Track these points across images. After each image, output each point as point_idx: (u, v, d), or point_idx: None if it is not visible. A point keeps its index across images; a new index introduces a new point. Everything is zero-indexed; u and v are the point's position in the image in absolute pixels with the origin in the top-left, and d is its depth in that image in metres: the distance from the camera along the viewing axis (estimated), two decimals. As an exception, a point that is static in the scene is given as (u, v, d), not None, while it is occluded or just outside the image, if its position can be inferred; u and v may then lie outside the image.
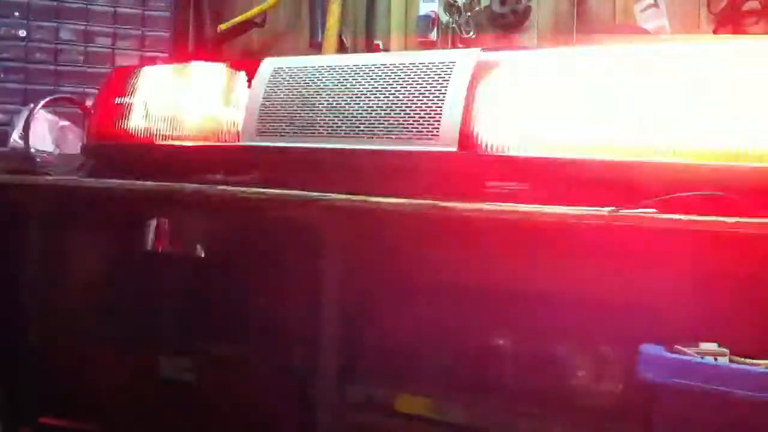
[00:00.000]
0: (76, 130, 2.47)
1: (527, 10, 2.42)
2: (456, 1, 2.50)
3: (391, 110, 1.80)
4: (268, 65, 2.04)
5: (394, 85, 1.82)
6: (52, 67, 2.66)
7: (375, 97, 1.83)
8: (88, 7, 2.71)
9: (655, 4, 2.22)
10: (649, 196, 1.46)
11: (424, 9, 2.56)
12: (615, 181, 1.56)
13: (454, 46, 2.49)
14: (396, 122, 1.79)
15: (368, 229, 1.80)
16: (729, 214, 1.38)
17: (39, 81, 2.63)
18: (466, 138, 1.71)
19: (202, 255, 2.20)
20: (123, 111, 2.22)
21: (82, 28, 2.70)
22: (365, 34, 2.69)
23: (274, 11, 2.88)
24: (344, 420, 1.87)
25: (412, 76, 1.81)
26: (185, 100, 2.15)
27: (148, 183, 2.03)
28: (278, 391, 2.01)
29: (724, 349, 1.37)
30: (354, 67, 1.90)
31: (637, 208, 1.45)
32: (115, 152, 2.23)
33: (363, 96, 1.85)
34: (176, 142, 2.12)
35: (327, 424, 1.87)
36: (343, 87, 1.88)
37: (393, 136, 1.79)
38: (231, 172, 2.11)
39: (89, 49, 2.70)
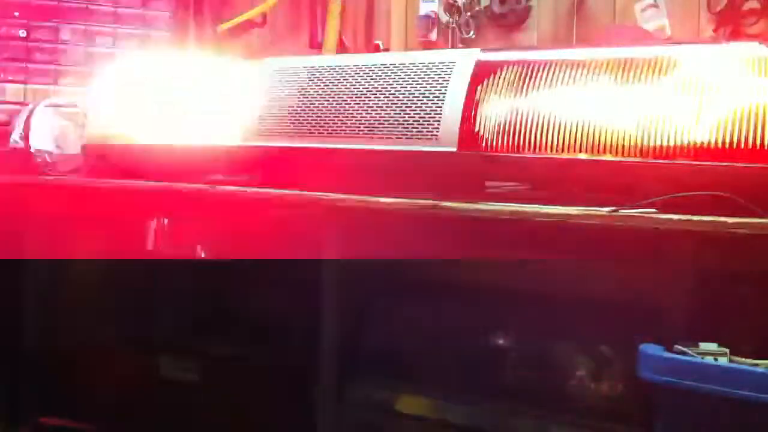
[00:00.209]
0: (76, 130, 2.47)
1: (527, 10, 2.42)
2: (456, 1, 2.50)
3: (391, 110, 1.80)
4: (268, 65, 2.04)
5: (394, 85, 1.82)
6: (52, 67, 2.66)
7: (375, 97, 1.83)
8: (88, 7, 2.71)
9: (655, 4, 2.21)
10: (649, 196, 1.46)
11: (424, 9, 2.55)
12: (615, 181, 1.56)
13: (454, 46, 2.49)
14: (396, 122, 1.79)
15: (368, 229, 1.80)
16: (729, 214, 1.38)
17: (39, 81, 2.63)
18: (466, 138, 1.71)
19: (202, 255, 2.20)
20: (123, 111, 2.22)
21: (82, 28, 2.70)
22: (365, 34, 2.69)
23: (274, 11, 2.88)
24: (344, 420, 1.88)
25: (412, 76, 1.81)
26: (185, 100, 2.15)
27: (148, 183, 2.03)
28: (278, 391, 2.01)
29: (724, 349, 1.37)
30: (354, 67, 1.90)
31: (637, 208, 1.45)
32: (115, 152, 2.23)
33: (363, 96, 1.85)
34: (176, 142, 2.12)
35: (327, 424, 1.88)
36: (343, 87, 1.88)
37: (393, 136, 1.79)
38: (231, 172, 2.12)
39: (89, 49, 2.70)
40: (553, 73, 1.67)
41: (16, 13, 2.63)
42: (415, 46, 2.57)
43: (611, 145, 1.57)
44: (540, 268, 1.66)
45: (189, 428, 2.12)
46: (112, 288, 2.30)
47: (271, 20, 2.90)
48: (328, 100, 1.89)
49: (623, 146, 1.56)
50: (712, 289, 1.47)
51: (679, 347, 1.38)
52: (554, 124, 1.63)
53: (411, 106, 1.78)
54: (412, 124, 1.77)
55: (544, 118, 1.64)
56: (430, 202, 1.64)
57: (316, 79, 1.93)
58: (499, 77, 1.72)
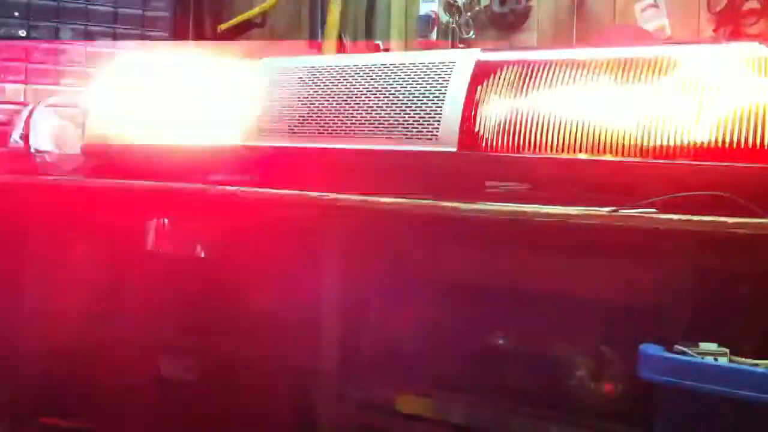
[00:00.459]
0: (76, 130, 2.47)
1: (527, 10, 2.42)
2: (456, 1, 2.50)
3: (391, 110, 1.80)
4: (268, 65, 2.04)
5: (394, 85, 1.82)
6: (52, 67, 2.65)
7: (375, 97, 1.83)
8: (88, 7, 2.71)
9: (655, 4, 2.22)
10: (649, 196, 1.46)
11: (424, 9, 2.55)
12: (615, 181, 1.56)
13: (454, 46, 2.49)
14: (396, 122, 1.79)
15: (368, 229, 1.80)
16: (729, 214, 1.38)
17: (39, 81, 2.63)
18: (466, 138, 1.70)
19: (202, 255, 2.20)
20: (122, 111, 2.22)
21: (82, 28, 2.70)
22: (365, 34, 2.69)
23: (274, 11, 2.88)
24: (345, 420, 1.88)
25: (412, 76, 1.81)
26: (185, 100, 2.15)
27: (148, 183, 2.03)
28: (278, 391, 2.01)
29: (724, 349, 1.37)
30: (354, 67, 1.90)
31: (637, 208, 1.45)
32: (115, 152, 2.23)
33: (363, 96, 1.85)
34: (176, 142, 2.12)
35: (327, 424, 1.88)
36: (343, 87, 1.88)
37: (393, 136, 1.79)
38: (231, 172, 2.11)
39: (89, 49, 2.70)
40: (553, 73, 1.67)
41: (16, 13, 2.63)
42: (415, 46, 2.57)
43: (611, 145, 1.57)
44: (540, 268, 1.66)
45: (189, 428, 2.12)
46: (112, 288, 2.30)
47: (271, 20, 2.90)
48: (328, 100, 1.89)
49: (623, 146, 1.56)
50: (712, 289, 1.47)
51: (679, 347, 1.38)
52: (554, 124, 1.63)
53: (411, 106, 1.78)
54: (412, 124, 1.77)
55: (544, 118, 1.64)
56: (430, 202, 1.64)
57: (316, 79, 1.93)
58: (499, 77, 1.72)
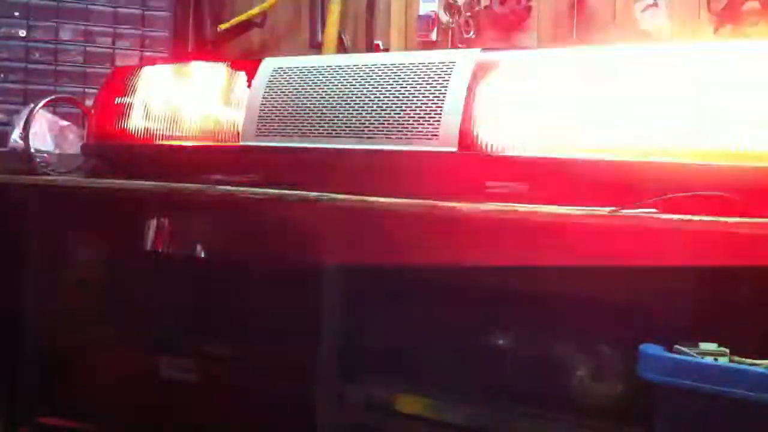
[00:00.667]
0: (76, 130, 2.47)
1: (527, 10, 2.42)
2: (456, 1, 2.50)
3: (391, 110, 1.80)
4: (268, 65, 2.04)
5: (394, 85, 1.82)
6: (52, 67, 2.65)
7: (375, 97, 1.83)
8: (88, 7, 2.70)
9: (655, 4, 2.21)
10: (649, 196, 1.46)
11: (424, 9, 2.55)
12: (615, 181, 1.55)
13: (454, 46, 2.49)
14: (396, 122, 1.79)
15: (368, 229, 1.80)
16: (729, 214, 1.38)
17: (39, 81, 2.63)
18: (466, 138, 1.70)
19: (202, 255, 2.20)
20: (123, 111, 2.22)
21: (82, 28, 2.70)
22: (365, 34, 2.69)
23: (274, 11, 2.88)
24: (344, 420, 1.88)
25: (412, 76, 1.81)
26: (185, 100, 2.15)
27: (148, 183, 2.03)
28: (278, 391, 2.01)
29: (724, 349, 1.37)
30: (354, 67, 1.90)
31: (637, 208, 1.45)
32: (115, 152, 2.24)
33: (363, 96, 1.85)
34: (176, 142, 2.12)
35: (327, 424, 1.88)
36: (343, 87, 1.88)
37: (393, 136, 1.79)
38: (231, 172, 2.11)
39: (89, 49, 2.70)
40: (553, 72, 1.67)
41: (16, 13, 2.63)
42: (415, 46, 2.57)
43: (611, 145, 1.57)
44: (540, 268, 1.66)
45: (189, 428, 2.12)
46: (111, 288, 2.30)
47: (271, 20, 2.90)
48: (327, 100, 1.89)
49: (624, 146, 1.56)
50: (712, 289, 1.47)
51: (679, 347, 1.38)
52: (554, 124, 1.63)
53: (411, 106, 1.78)
54: (412, 124, 1.77)
55: (544, 118, 1.64)
56: (430, 202, 1.64)
57: (315, 79, 1.93)
58: (499, 77, 1.72)
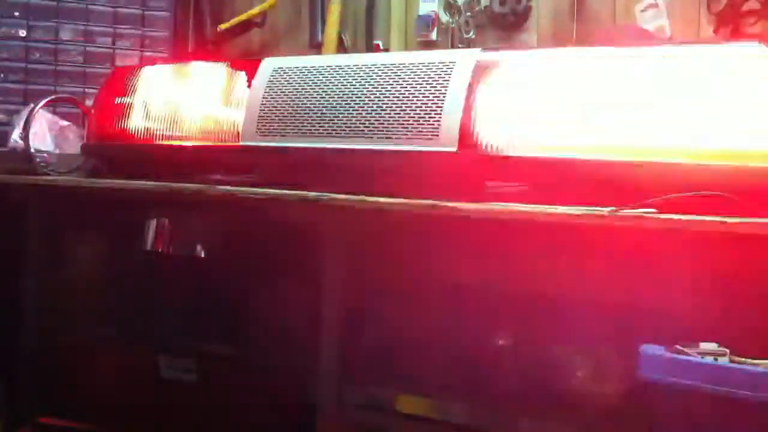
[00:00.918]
0: (76, 130, 2.47)
1: (527, 10, 2.42)
2: (456, 1, 2.50)
3: (391, 110, 1.80)
4: (268, 65, 2.04)
5: (394, 85, 1.82)
6: (52, 67, 2.66)
7: (375, 97, 1.83)
8: (88, 7, 2.70)
9: (655, 4, 2.21)
10: (649, 196, 1.46)
11: (424, 9, 2.55)
12: (615, 181, 1.56)
13: (454, 46, 2.49)
14: (396, 122, 1.79)
15: (368, 229, 1.80)
16: (729, 214, 1.38)
17: (39, 81, 2.63)
18: (466, 138, 1.70)
19: (202, 255, 2.20)
20: (123, 111, 2.22)
21: (82, 28, 2.70)
22: (365, 34, 2.69)
23: (274, 11, 2.88)
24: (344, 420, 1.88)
25: (412, 76, 1.81)
26: (185, 100, 2.15)
27: (148, 183, 2.03)
28: (278, 391, 2.01)
29: (724, 349, 1.37)
30: (354, 67, 1.90)
31: (637, 208, 1.45)
32: (115, 152, 2.24)
33: (363, 96, 1.85)
34: (176, 142, 2.12)
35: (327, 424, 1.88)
36: (343, 87, 1.88)
37: (393, 136, 1.79)
38: (231, 172, 2.11)
39: (89, 49, 2.70)
40: (553, 72, 1.67)
41: (16, 13, 2.63)
42: (415, 46, 2.57)
43: (611, 145, 1.57)
44: (540, 268, 1.66)
45: (189, 428, 2.12)
46: (111, 288, 2.30)
47: (271, 20, 2.90)
48: (327, 100, 1.89)
49: (623, 146, 1.56)
50: (712, 289, 1.47)
51: (679, 347, 1.38)
52: (554, 124, 1.63)
53: (411, 106, 1.78)
54: (412, 124, 1.77)
55: (544, 118, 1.64)
56: (430, 202, 1.64)
57: (315, 79, 1.93)
58: (499, 77, 1.72)
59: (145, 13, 2.77)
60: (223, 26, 2.91)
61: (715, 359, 1.36)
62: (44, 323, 2.33)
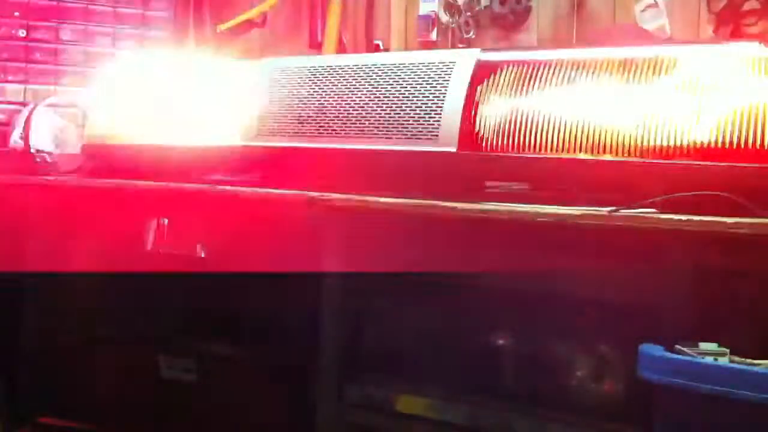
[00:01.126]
0: (76, 130, 2.47)
1: (527, 10, 2.42)
2: (456, 1, 2.50)
3: (391, 110, 1.80)
4: (268, 65, 2.04)
5: (394, 85, 1.82)
6: (52, 67, 2.66)
7: (375, 97, 1.83)
8: (88, 7, 2.71)
9: (655, 4, 2.21)
10: (649, 196, 1.46)
11: (424, 9, 2.55)
12: (615, 181, 1.56)
13: (454, 46, 2.49)
14: (396, 122, 1.79)
15: (368, 229, 1.80)
16: (729, 214, 1.38)
17: (39, 81, 2.63)
18: (466, 138, 1.70)
19: (202, 255, 2.20)
20: (123, 111, 2.22)
21: (82, 28, 2.70)
22: (365, 34, 2.69)
23: (274, 11, 2.88)
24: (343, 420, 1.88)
25: (412, 76, 1.81)
26: (185, 100, 2.15)
27: (148, 183, 2.03)
28: (278, 391, 2.01)
29: (724, 349, 1.37)
30: (354, 67, 1.90)
31: (637, 208, 1.45)
32: (115, 152, 2.23)
33: (363, 96, 1.85)
34: (176, 143, 2.12)
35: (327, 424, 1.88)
36: (343, 87, 1.88)
37: (393, 136, 1.79)
38: (231, 172, 2.11)
39: (89, 49, 2.70)
40: (553, 73, 1.67)
41: (16, 13, 2.63)
42: (415, 46, 2.57)
43: (611, 145, 1.57)
44: (540, 268, 1.66)
45: (189, 428, 2.12)
46: (111, 288, 2.30)
47: (271, 20, 2.90)
48: (328, 100, 1.89)
49: (623, 146, 1.56)
50: (712, 289, 1.47)
51: (679, 347, 1.38)
52: (554, 124, 1.63)
53: (411, 106, 1.78)
54: (412, 124, 1.77)
55: (544, 118, 1.64)
56: (430, 202, 1.64)
57: (316, 79, 1.93)
58: (499, 77, 1.72)
59: (145, 13, 2.77)
60: (223, 26, 2.91)
61: (715, 359, 1.36)
62: (44, 323, 2.33)
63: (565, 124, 1.62)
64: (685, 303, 1.48)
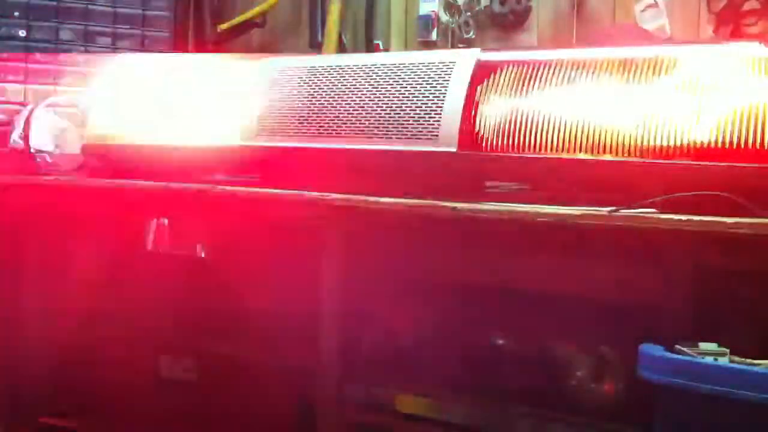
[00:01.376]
0: (76, 130, 2.47)
1: (527, 10, 2.42)
2: (456, 1, 2.50)
3: (391, 110, 1.80)
4: (268, 65, 2.04)
5: (394, 85, 1.82)
6: (52, 67, 2.66)
7: (375, 97, 1.83)
8: (88, 7, 2.71)
9: (655, 4, 2.21)
10: (649, 196, 1.46)
11: (424, 9, 2.56)
12: (615, 181, 1.56)
13: (454, 46, 2.49)
14: (396, 122, 1.79)
15: (368, 229, 1.80)
16: (729, 214, 1.38)
17: (39, 81, 2.63)
18: (466, 138, 1.71)
19: (202, 255, 2.20)
20: (123, 111, 2.22)
21: (82, 28, 2.70)
22: (365, 34, 2.69)
23: (274, 11, 2.88)
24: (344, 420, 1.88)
25: (412, 76, 1.81)
26: (185, 100, 2.15)
27: (148, 183, 2.03)
28: (278, 391, 2.01)
29: (724, 349, 1.37)
30: (354, 67, 1.90)
31: (637, 208, 1.45)
32: (115, 152, 2.23)
33: (363, 96, 1.85)
34: (176, 142, 2.12)
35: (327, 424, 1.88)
36: (343, 87, 1.88)
37: (393, 136, 1.79)
38: (231, 172, 2.11)
39: (89, 49, 2.70)
40: (553, 73, 1.67)
41: (16, 13, 2.63)
42: (415, 46, 2.57)
43: (611, 145, 1.57)
44: (540, 268, 1.66)
45: (189, 428, 2.12)
46: (112, 288, 2.30)
47: (271, 20, 2.90)
48: (328, 100, 1.89)
49: (623, 146, 1.56)
50: (712, 289, 1.47)
51: (679, 347, 1.38)
52: (554, 124, 1.63)
53: (411, 106, 1.78)
54: (412, 124, 1.77)
55: (544, 118, 1.64)
56: (431, 202, 1.64)
57: (316, 79, 1.93)
58: (499, 77, 1.72)
59: (145, 13, 2.77)
60: (223, 26, 2.91)
61: (715, 359, 1.36)
62: (44, 323, 2.33)
63: (565, 124, 1.62)
64: (685, 303, 1.48)
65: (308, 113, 1.91)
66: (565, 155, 1.60)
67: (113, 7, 2.73)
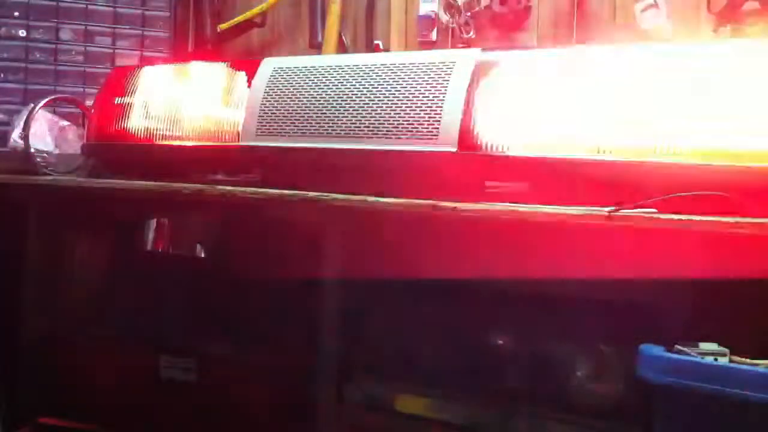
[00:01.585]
0: (76, 130, 2.47)
1: (527, 10, 2.42)
2: (456, 1, 2.50)
3: (391, 110, 1.80)
4: (268, 65, 2.04)
5: (394, 85, 1.82)
6: (52, 67, 2.65)
7: (375, 97, 1.83)
8: (88, 7, 2.70)
9: (655, 4, 2.21)
10: (649, 196, 1.46)
11: (424, 9, 2.55)
12: (615, 181, 1.55)
13: (454, 46, 2.49)
14: (396, 122, 1.79)
15: (368, 229, 1.80)
16: (729, 214, 1.38)
17: (39, 81, 2.63)
18: (466, 138, 1.70)
19: (202, 255, 2.20)
20: (123, 111, 2.22)
21: (82, 28, 2.70)
22: (365, 34, 2.69)
23: (274, 11, 2.88)
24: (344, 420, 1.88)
25: (412, 76, 1.81)
26: (185, 100, 2.15)
27: (148, 183, 2.03)
28: (278, 391, 2.01)
29: (724, 349, 1.37)
30: (354, 67, 1.90)
31: (637, 208, 1.45)
32: (115, 152, 2.23)
33: (363, 96, 1.85)
34: (176, 142, 2.12)
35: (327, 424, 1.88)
36: (343, 87, 1.88)
37: (393, 136, 1.79)
38: (231, 172, 2.11)
39: (89, 49, 2.70)
40: (553, 72, 1.67)
41: (16, 13, 2.63)
42: (415, 46, 2.57)
43: (611, 145, 1.57)
44: (540, 268, 1.66)
45: (189, 428, 2.12)
46: (112, 288, 2.30)
47: (271, 20, 2.90)
48: (327, 100, 1.89)
49: (623, 146, 1.56)
50: (712, 289, 1.47)
51: (679, 347, 1.38)
52: (554, 124, 1.63)
53: (411, 106, 1.78)
54: (412, 124, 1.77)
55: (544, 117, 1.64)
56: (430, 202, 1.64)
57: (315, 79, 1.93)
58: (499, 77, 1.72)
59: (145, 13, 2.77)
60: (223, 26, 2.91)
61: (715, 359, 1.36)
62: (44, 323, 2.33)
63: (565, 124, 1.62)
64: (685, 303, 1.48)
65: (308, 113, 1.91)
66: (565, 155, 1.60)
67: (113, 7, 2.73)
